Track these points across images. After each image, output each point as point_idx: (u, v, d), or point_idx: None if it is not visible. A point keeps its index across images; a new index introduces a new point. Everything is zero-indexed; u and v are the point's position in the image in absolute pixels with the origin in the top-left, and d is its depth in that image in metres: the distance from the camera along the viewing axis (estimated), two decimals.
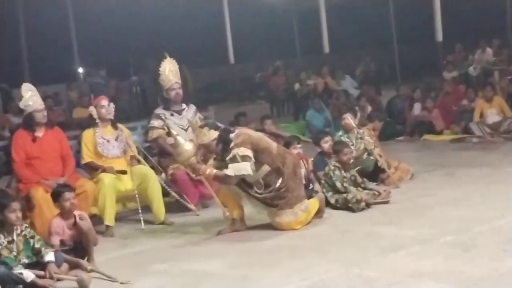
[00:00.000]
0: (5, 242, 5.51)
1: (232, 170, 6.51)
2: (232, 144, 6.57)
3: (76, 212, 6.05)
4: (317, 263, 5.54)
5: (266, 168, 6.59)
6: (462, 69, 16.90)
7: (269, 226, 6.86)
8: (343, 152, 7.58)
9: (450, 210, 6.84)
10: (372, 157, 8.47)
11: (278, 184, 6.61)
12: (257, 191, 6.61)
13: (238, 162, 6.47)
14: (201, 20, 23.48)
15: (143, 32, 24.34)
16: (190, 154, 6.91)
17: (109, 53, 23.37)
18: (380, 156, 8.49)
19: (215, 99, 20.00)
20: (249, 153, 6.51)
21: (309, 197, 7.39)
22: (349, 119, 8.70)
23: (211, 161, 7.07)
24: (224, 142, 6.61)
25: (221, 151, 6.66)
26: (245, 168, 6.48)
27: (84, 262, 5.85)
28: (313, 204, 6.87)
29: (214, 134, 6.66)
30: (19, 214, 5.57)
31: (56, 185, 6.62)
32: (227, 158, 6.56)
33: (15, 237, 5.56)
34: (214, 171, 6.63)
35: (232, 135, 6.62)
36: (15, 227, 5.57)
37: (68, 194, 6.02)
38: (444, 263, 5.24)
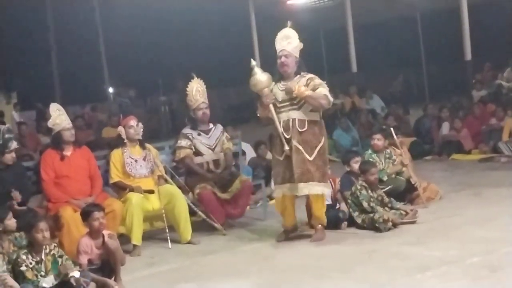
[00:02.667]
0: (33, 263, 5.53)
1: (327, 92, 6.92)
2: (312, 75, 7.00)
3: (105, 232, 6.09)
4: (343, 283, 5.51)
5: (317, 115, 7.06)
6: (491, 88, 16.75)
7: (295, 244, 6.87)
8: (370, 171, 7.56)
9: (477, 230, 6.76)
10: (402, 177, 8.43)
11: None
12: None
13: (326, 89, 6.91)
14: (231, 39, 23.65)
15: (172, 52, 24.59)
16: (264, 85, 7.05)
17: (139, 73, 23.61)
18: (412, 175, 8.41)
19: (243, 118, 20.04)
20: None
21: (336, 217, 7.40)
22: (378, 140, 8.64)
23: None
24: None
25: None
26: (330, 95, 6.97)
27: (111, 281, 5.88)
28: None
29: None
30: (46, 234, 5.60)
31: (84, 204, 6.68)
32: (318, 83, 6.92)
33: (43, 257, 5.60)
34: (310, 91, 6.87)
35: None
36: (44, 247, 5.62)
37: (97, 214, 6.06)
38: (471, 284, 5.19)
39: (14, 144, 6.85)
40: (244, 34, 21.09)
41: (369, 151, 8.70)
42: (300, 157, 6.90)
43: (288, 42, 7.01)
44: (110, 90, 23.17)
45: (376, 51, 24.43)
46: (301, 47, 7.09)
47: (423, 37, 23.47)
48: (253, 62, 7.21)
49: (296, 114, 6.96)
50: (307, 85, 6.94)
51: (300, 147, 6.90)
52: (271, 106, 7.01)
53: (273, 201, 9.18)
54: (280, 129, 6.97)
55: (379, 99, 17.61)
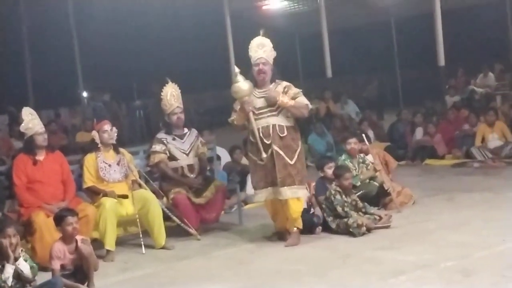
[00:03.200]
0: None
1: (307, 101, 7.10)
2: (287, 83, 7.13)
3: (78, 237, 6.04)
4: None
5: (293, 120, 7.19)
6: (464, 94, 16.92)
7: (270, 249, 6.87)
8: (344, 176, 7.58)
9: (451, 235, 6.81)
10: (375, 182, 8.47)
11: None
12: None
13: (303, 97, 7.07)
14: (205, 44, 23.60)
15: (147, 56, 24.47)
16: (246, 93, 7.03)
17: (113, 78, 23.47)
18: (385, 180, 8.46)
19: (218, 122, 20.03)
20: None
21: (310, 221, 7.41)
22: (354, 144, 8.69)
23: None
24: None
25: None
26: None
27: (83, 287, 5.83)
28: None
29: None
30: (14, 240, 5.55)
31: (57, 209, 6.61)
32: (297, 91, 7.08)
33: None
34: (292, 101, 7.01)
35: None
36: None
37: (71, 219, 5.99)
38: None
39: None
40: (219, 38, 21.07)
41: (343, 156, 8.73)
42: (282, 162, 7.00)
43: (263, 50, 7.10)
44: (84, 94, 23.00)
45: (351, 56, 24.53)
46: (275, 55, 7.14)
47: (397, 42, 23.61)
48: (237, 69, 7.20)
49: (275, 120, 7.06)
50: (285, 93, 7.06)
51: (281, 152, 7.00)
52: (250, 113, 7.04)
53: (248, 206, 9.24)
54: (258, 135, 7.02)
55: (354, 104, 17.70)
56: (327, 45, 19.53)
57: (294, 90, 7.11)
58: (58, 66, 22.74)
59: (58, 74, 23.00)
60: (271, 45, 7.15)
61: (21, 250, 5.69)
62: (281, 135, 7.02)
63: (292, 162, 7.02)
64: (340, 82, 21.45)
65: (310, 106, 7.23)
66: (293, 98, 7.05)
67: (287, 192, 7.01)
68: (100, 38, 22.37)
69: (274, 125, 7.04)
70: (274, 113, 7.05)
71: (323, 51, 19.64)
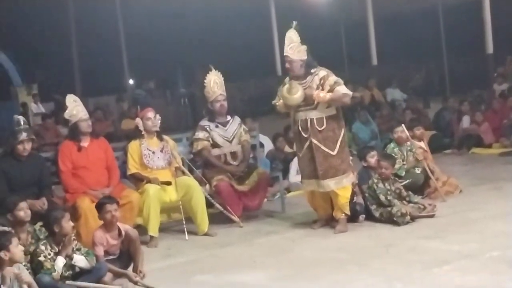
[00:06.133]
0: (52, 254, 5.58)
1: (346, 90, 6.97)
2: (324, 73, 6.99)
3: (120, 224, 6.10)
4: (359, 277, 5.48)
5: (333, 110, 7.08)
6: None
7: (312, 237, 6.85)
8: (382, 165, 7.53)
9: (497, 224, 6.69)
10: (420, 171, 8.37)
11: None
12: None
13: (343, 85, 6.95)
14: (249, 32, 23.61)
15: (193, 44, 24.58)
16: (298, 102, 7.01)
17: (159, 66, 23.64)
18: (430, 170, 8.35)
19: (262, 111, 20.03)
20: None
21: (354, 210, 7.36)
22: (402, 132, 8.59)
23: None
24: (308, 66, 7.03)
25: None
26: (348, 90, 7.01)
27: (130, 273, 5.89)
28: None
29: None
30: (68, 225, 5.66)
31: (102, 195, 6.70)
32: (333, 81, 6.91)
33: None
34: (329, 95, 6.91)
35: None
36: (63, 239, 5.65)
37: (109, 206, 6.04)
38: (490, 278, 5.13)
39: (23, 135, 6.83)
40: (264, 26, 21.05)
41: (392, 144, 8.67)
42: (322, 154, 6.99)
43: (290, 47, 7.06)
44: (130, 82, 23.22)
45: (397, 43, 24.28)
46: (305, 49, 7.07)
47: (445, 29, 23.29)
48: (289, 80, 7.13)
49: (313, 114, 7.03)
50: (321, 85, 6.97)
51: (321, 145, 6.99)
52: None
53: (290, 194, 9.22)
54: (297, 128, 7.12)
55: (400, 92, 17.54)
56: (372, 32, 19.39)
57: (331, 80, 6.97)
58: (105, 54, 23.01)
59: (105, 62, 23.28)
60: (299, 40, 7.06)
61: (73, 239, 5.76)
62: (320, 129, 6.98)
63: (334, 153, 7.00)
64: (386, 70, 21.21)
65: (350, 94, 7.10)
66: (331, 89, 6.93)
67: (330, 184, 7.01)
68: (146, 26, 22.54)
69: (312, 119, 7.01)
70: (312, 106, 7.02)
71: (369, 38, 19.50)
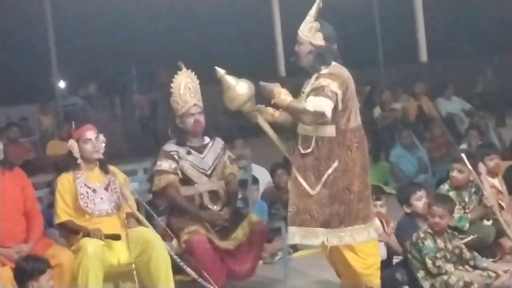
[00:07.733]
0: None
1: (312, 104, 6.82)
2: (322, 71, 6.99)
3: None
4: None
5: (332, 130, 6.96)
6: None
7: None
8: (433, 212, 7.56)
9: None
10: (491, 223, 8.42)
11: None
12: None
13: (322, 96, 6.82)
14: (247, 25, 23.86)
15: (151, 33, 24.69)
16: (245, 99, 7.13)
17: (102, 62, 23.72)
18: (506, 221, 8.39)
19: (257, 129, 20.11)
20: (339, 92, 6.90)
21: (391, 280, 7.37)
22: (459, 171, 8.56)
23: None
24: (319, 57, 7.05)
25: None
26: (327, 105, 6.78)
27: None
28: None
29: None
30: None
31: (17, 256, 6.70)
32: (312, 87, 6.94)
33: None
34: (289, 99, 6.97)
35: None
36: None
37: (47, 275, 6.09)
38: None
39: None
40: (265, 19, 21.31)
41: (447, 186, 8.66)
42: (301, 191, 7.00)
43: (304, 21, 7.10)
44: (61, 85, 23.27)
45: (454, 34, 24.49)
46: (319, 28, 7.05)
47: None
48: (221, 71, 7.23)
49: (300, 128, 7.10)
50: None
51: (300, 178, 7.01)
52: (260, 120, 7.21)
53: (297, 254, 9.23)
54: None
55: (461, 101, 17.47)
56: (421, 20, 19.51)
57: (317, 84, 6.96)
58: (23, 46, 23.14)
59: (23, 58, 23.37)
60: (315, 15, 7.08)
61: None
62: (303, 152, 6.98)
63: (313, 192, 6.92)
64: (439, 70, 21.35)
65: (322, 110, 6.81)
66: (311, 95, 6.94)
67: (333, 238, 6.91)
68: (82, 11, 22.70)
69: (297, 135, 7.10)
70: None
71: (415, 28, 19.64)
